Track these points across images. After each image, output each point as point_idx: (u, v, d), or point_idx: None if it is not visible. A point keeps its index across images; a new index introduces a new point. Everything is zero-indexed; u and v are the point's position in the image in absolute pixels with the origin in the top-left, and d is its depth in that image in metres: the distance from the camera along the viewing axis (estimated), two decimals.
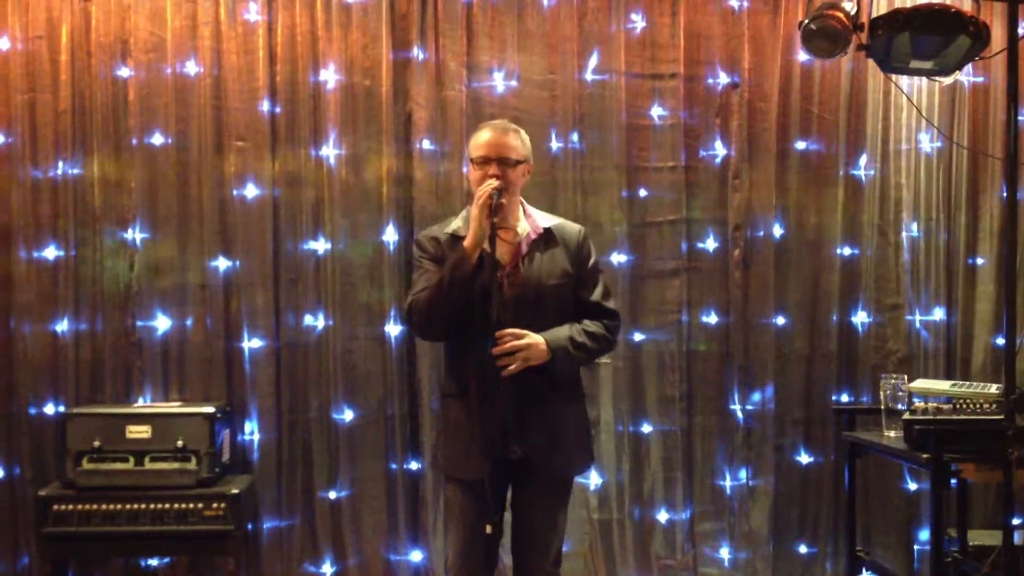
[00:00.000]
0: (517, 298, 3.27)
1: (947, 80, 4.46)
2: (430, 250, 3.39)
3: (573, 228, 3.49)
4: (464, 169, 4.68)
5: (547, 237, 3.39)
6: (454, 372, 3.40)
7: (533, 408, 3.27)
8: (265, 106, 4.66)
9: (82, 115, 4.61)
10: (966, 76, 4.84)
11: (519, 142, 3.37)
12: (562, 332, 3.30)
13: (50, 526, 4.17)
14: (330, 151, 4.69)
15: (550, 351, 3.24)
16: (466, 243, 3.20)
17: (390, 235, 4.70)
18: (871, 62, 3.94)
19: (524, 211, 3.42)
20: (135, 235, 4.63)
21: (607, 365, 4.76)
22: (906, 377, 4.30)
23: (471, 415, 3.26)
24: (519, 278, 3.29)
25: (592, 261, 3.48)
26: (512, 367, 3.18)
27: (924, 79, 4.72)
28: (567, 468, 3.46)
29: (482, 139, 3.35)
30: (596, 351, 3.42)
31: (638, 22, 4.82)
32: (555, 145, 4.78)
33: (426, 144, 4.71)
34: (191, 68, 4.63)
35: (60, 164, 4.60)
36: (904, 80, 4.75)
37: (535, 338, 3.22)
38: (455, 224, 3.41)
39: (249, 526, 4.58)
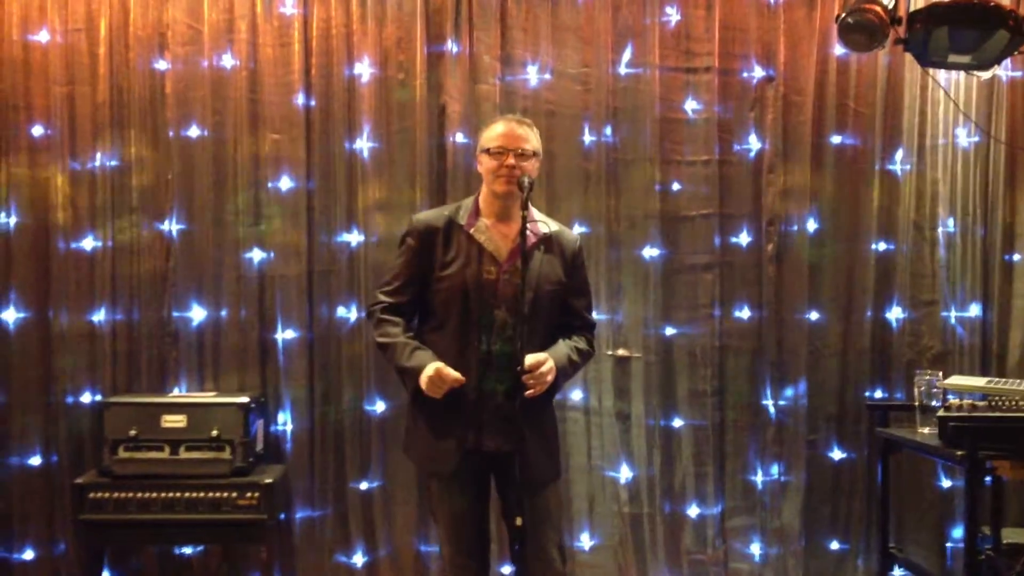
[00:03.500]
0: (510, 296, 3.28)
1: (985, 75, 4.42)
2: (420, 234, 3.40)
3: (571, 236, 3.54)
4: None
5: (546, 241, 3.41)
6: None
7: (525, 408, 3.23)
8: (300, 99, 4.69)
9: (120, 107, 4.66)
10: (1004, 71, 4.78)
11: (533, 135, 3.41)
12: (562, 352, 3.36)
13: (86, 513, 4.24)
14: (364, 144, 4.72)
15: (561, 367, 3.33)
16: (421, 380, 3.23)
17: None
18: (908, 56, 3.92)
19: (528, 212, 3.35)
20: (171, 226, 4.68)
21: (638, 360, 4.76)
22: (941, 374, 4.27)
23: (457, 409, 3.27)
24: (516, 277, 3.27)
25: (584, 272, 3.56)
26: (536, 391, 3.21)
27: (961, 73, 4.68)
28: (539, 473, 3.37)
29: (499, 131, 3.39)
30: (581, 367, 3.53)
31: (672, 15, 4.81)
32: (588, 138, 4.78)
33: (459, 137, 4.72)
34: (227, 61, 4.67)
35: (98, 156, 4.64)
36: (941, 74, 4.70)
37: (549, 367, 3.26)
38: (457, 211, 3.43)
39: (282, 516, 4.62)
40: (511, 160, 3.32)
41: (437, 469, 3.37)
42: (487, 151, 3.38)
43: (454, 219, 3.40)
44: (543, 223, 3.47)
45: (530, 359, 3.19)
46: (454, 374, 3.22)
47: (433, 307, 3.38)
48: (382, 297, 3.45)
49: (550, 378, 3.25)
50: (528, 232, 3.28)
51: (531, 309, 3.28)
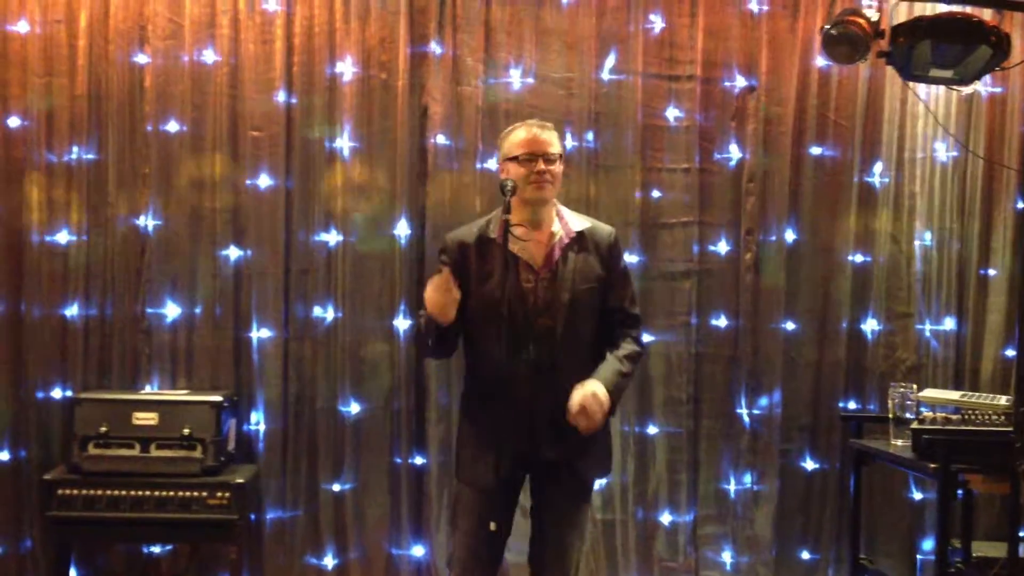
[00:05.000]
0: (551, 302, 3.24)
1: (966, 90, 4.44)
2: (452, 253, 3.33)
3: (605, 230, 3.43)
4: (478, 166, 4.69)
5: (579, 240, 3.34)
6: (478, 375, 3.35)
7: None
8: (281, 96, 4.66)
9: (98, 100, 4.61)
10: (984, 86, 4.82)
11: (556, 139, 3.34)
12: (611, 371, 3.24)
13: (54, 510, 4.19)
14: (344, 143, 4.69)
15: (609, 396, 3.18)
16: (428, 309, 3.16)
17: (402, 229, 4.70)
18: (889, 69, 3.92)
19: (558, 213, 3.37)
20: (147, 222, 4.63)
21: None
22: (915, 386, 4.29)
23: (495, 420, 3.19)
24: (554, 282, 3.25)
25: (622, 264, 3.44)
26: (591, 427, 3.15)
27: (941, 88, 4.71)
28: (593, 472, 3.45)
29: (524, 136, 3.30)
30: (633, 373, 3.40)
31: (656, 22, 4.81)
32: (570, 143, 4.77)
33: (441, 139, 4.71)
34: (208, 56, 4.64)
35: (75, 149, 4.60)
36: (921, 89, 4.73)
37: (601, 395, 3.13)
38: (487, 225, 3.35)
39: (252, 516, 4.59)
40: (541, 165, 3.25)
41: (476, 480, 3.30)
42: (515, 159, 3.28)
43: (484, 233, 3.31)
44: (574, 221, 3.39)
45: (576, 398, 3.11)
46: (444, 274, 3.14)
47: (477, 323, 3.30)
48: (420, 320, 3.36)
49: (603, 407, 3.15)
50: (561, 233, 3.28)
51: (569, 313, 3.25)
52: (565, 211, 3.40)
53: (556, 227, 3.33)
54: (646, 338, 4.77)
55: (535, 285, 3.25)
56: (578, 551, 3.38)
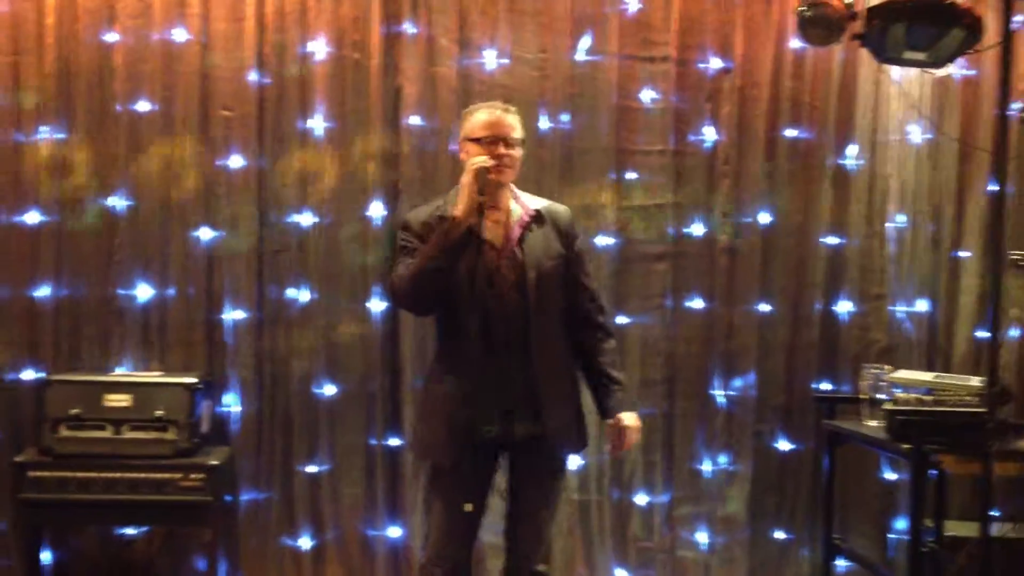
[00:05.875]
0: (519, 280, 3.26)
1: (939, 72, 4.46)
2: (416, 231, 3.34)
3: (561, 208, 3.52)
4: (452, 147, 4.66)
5: (538, 218, 3.39)
6: (447, 357, 3.36)
7: (548, 388, 3.30)
8: (253, 76, 4.61)
9: (67, 79, 4.54)
10: (958, 69, 4.82)
11: (518, 122, 3.37)
12: (619, 390, 3.47)
13: (26, 492, 4.15)
14: (318, 123, 4.66)
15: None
16: (456, 212, 3.16)
17: (376, 210, 4.67)
18: (863, 52, 3.93)
19: (513, 194, 3.42)
20: (118, 202, 4.58)
21: None
22: (888, 367, 4.31)
23: (463, 399, 3.23)
24: (517, 260, 3.28)
25: (579, 241, 3.52)
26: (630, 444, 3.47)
27: (915, 71, 4.71)
28: (568, 448, 3.51)
29: (484, 119, 3.32)
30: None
31: (632, 3, 4.79)
32: (544, 125, 4.75)
33: (414, 120, 4.68)
34: (179, 35, 4.58)
35: (44, 128, 4.53)
36: (895, 71, 4.74)
37: (636, 424, 3.46)
38: (441, 205, 3.37)
39: (227, 498, 4.56)
40: (502, 149, 3.28)
41: (442, 459, 3.33)
42: (475, 140, 3.31)
43: (443, 213, 3.30)
44: (530, 200, 3.44)
45: (631, 443, 3.46)
46: (477, 159, 3.19)
47: (445, 303, 3.30)
48: (396, 271, 3.32)
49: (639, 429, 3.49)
50: (520, 212, 3.33)
51: (536, 290, 3.28)
52: (520, 192, 3.44)
53: (514, 207, 3.38)
54: (622, 320, 4.80)
55: (499, 264, 3.28)
56: (552, 526, 3.49)
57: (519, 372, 3.26)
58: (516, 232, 3.33)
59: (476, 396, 3.21)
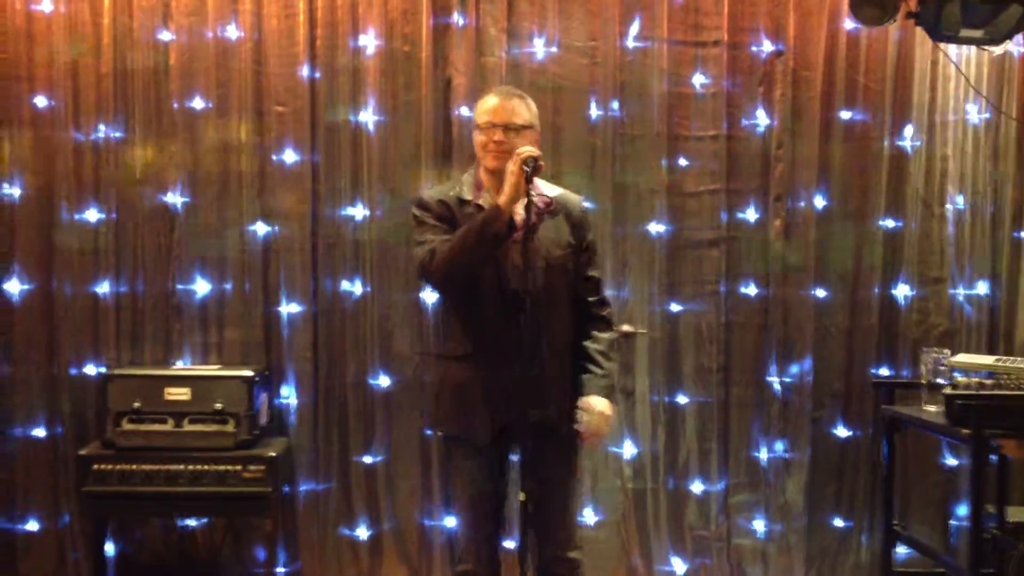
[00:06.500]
0: (526, 267, 3.22)
1: (997, 50, 4.38)
2: (436, 209, 3.37)
3: (575, 199, 3.53)
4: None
5: (551, 207, 3.40)
6: (462, 335, 3.37)
7: (555, 373, 3.33)
8: (305, 71, 4.65)
9: (124, 78, 4.62)
10: (1016, 46, 4.73)
11: (525, 108, 3.37)
12: (601, 376, 3.40)
13: (90, 485, 4.23)
14: (369, 116, 4.68)
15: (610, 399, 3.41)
16: (501, 200, 3.17)
17: None
18: (919, 31, 3.88)
19: None
20: (176, 198, 4.65)
21: (643, 336, 4.74)
22: (948, 351, 4.25)
23: (482, 379, 3.28)
24: (528, 247, 3.23)
25: (591, 233, 3.52)
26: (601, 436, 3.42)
27: (973, 49, 4.63)
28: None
29: (488, 104, 3.35)
30: (616, 356, 3.59)
31: None
32: (595, 113, 4.74)
33: (464, 111, 4.68)
34: (232, 32, 4.63)
35: (102, 127, 4.62)
36: (952, 49, 4.65)
37: (605, 411, 3.36)
38: (459, 188, 3.41)
39: (286, 489, 4.62)
40: (499, 136, 3.29)
41: (465, 443, 3.37)
42: (477, 126, 3.36)
43: (459, 196, 3.37)
44: (545, 187, 3.45)
45: (591, 428, 3.34)
46: (524, 150, 3.18)
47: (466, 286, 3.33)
48: (428, 246, 3.33)
49: (610, 420, 3.40)
50: (535, 199, 3.25)
51: (545, 279, 3.29)
52: (538, 180, 3.36)
53: (530, 193, 3.29)
54: (675, 307, 4.77)
55: (510, 248, 3.25)
56: (576, 511, 3.55)
57: (531, 357, 3.23)
58: (530, 220, 3.24)
59: (491, 381, 3.26)
